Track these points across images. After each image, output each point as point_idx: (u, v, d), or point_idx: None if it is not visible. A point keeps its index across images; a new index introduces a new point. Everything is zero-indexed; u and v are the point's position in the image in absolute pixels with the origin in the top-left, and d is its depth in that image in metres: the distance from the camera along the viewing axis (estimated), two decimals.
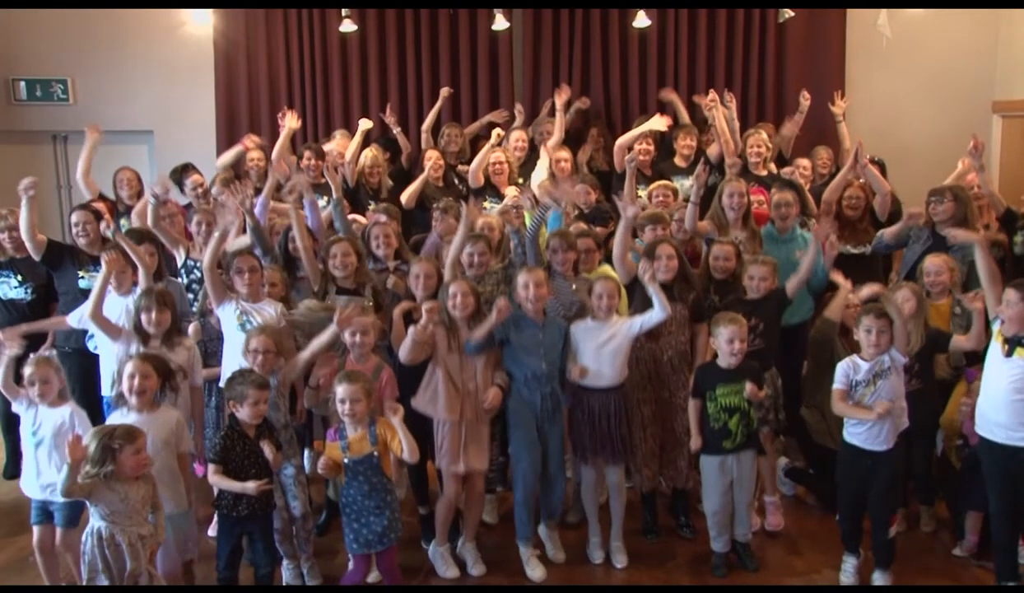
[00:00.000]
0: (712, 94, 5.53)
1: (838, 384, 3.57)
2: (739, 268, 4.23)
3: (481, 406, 3.75)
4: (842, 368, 3.58)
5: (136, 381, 3.34)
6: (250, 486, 3.30)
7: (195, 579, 3.75)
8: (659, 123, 5.45)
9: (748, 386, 3.66)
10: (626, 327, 3.78)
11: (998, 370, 3.42)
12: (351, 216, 4.87)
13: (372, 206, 5.44)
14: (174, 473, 3.42)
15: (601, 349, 3.75)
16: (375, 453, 3.37)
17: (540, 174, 5.43)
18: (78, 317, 4.04)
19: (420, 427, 3.70)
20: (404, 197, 5.38)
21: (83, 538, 3.06)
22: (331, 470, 3.38)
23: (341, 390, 3.36)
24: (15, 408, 3.51)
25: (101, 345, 3.95)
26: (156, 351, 3.62)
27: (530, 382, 3.76)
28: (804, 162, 5.44)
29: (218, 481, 3.35)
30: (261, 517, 3.43)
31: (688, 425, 3.89)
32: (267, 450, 3.35)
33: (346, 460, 3.37)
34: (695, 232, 4.63)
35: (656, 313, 3.72)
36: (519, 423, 3.80)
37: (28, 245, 4.51)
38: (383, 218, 4.49)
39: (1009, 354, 3.37)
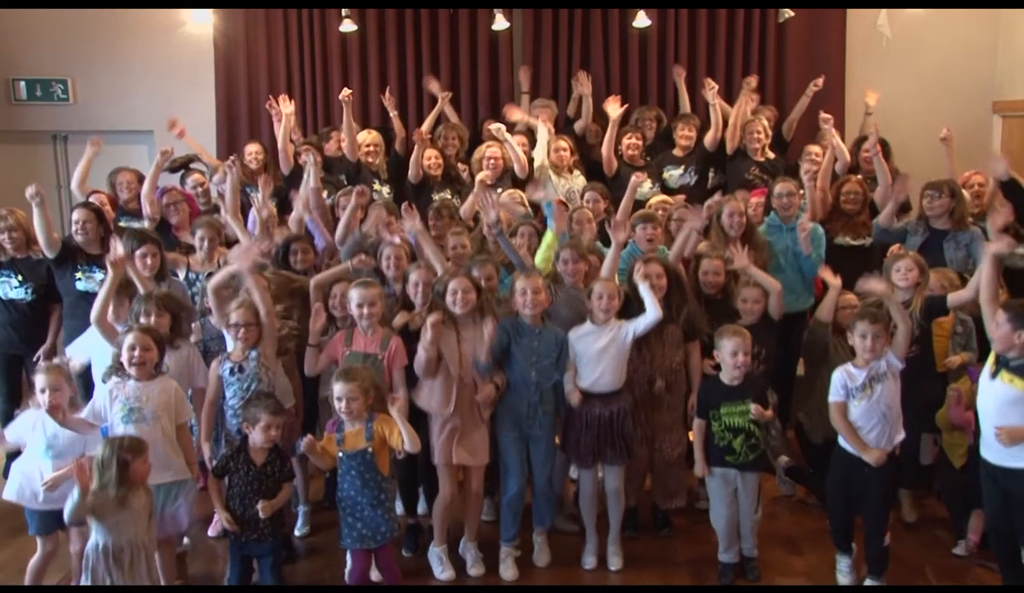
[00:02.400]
0: (748, 85, 5.60)
1: (835, 397, 3.52)
2: (731, 285, 4.22)
3: (478, 402, 3.74)
4: (838, 379, 3.52)
5: (136, 353, 3.35)
6: (223, 515, 3.38)
7: (187, 577, 3.76)
8: (613, 109, 5.37)
9: (753, 407, 3.62)
10: (623, 332, 3.75)
11: (986, 390, 3.38)
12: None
13: (376, 185, 5.48)
14: (173, 443, 3.42)
15: (602, 354, 3.74)
16: (369, 449, 3.37)
17: (540, 152, 5.43)
18: (78, 347, 4.00)
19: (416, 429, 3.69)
20: (410, 173, 5.42)
21: (85, 554, 3.06)
22: (312, 451, 3.38)
23: (338, 388, 3.37)
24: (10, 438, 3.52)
25: (96, 360, 3.88)
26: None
27: (519, 387, 3.76)
28: (816, 149, 5.41)
29: (212, 493, 3.45)
30: (269, 540, 3.44)
31: (678, 445, 3.96)
32: (261, 509, 3.35)
33: (340, 453, 3.39)
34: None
35: (649, 314, 3.71)
36: (506, 426, 3.80)
37: (43, 244, 4.50)
38: (397, 239, 4.32)
39: (994, 375, 3.32)
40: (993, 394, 3.31)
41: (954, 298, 3.85)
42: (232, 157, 5.13)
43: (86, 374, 3.99)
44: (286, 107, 5.59)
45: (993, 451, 3.32)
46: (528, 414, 3.77)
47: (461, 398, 3.71)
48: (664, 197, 5.21)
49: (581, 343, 3.77)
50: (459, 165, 5.82)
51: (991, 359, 3.37)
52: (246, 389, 3.62)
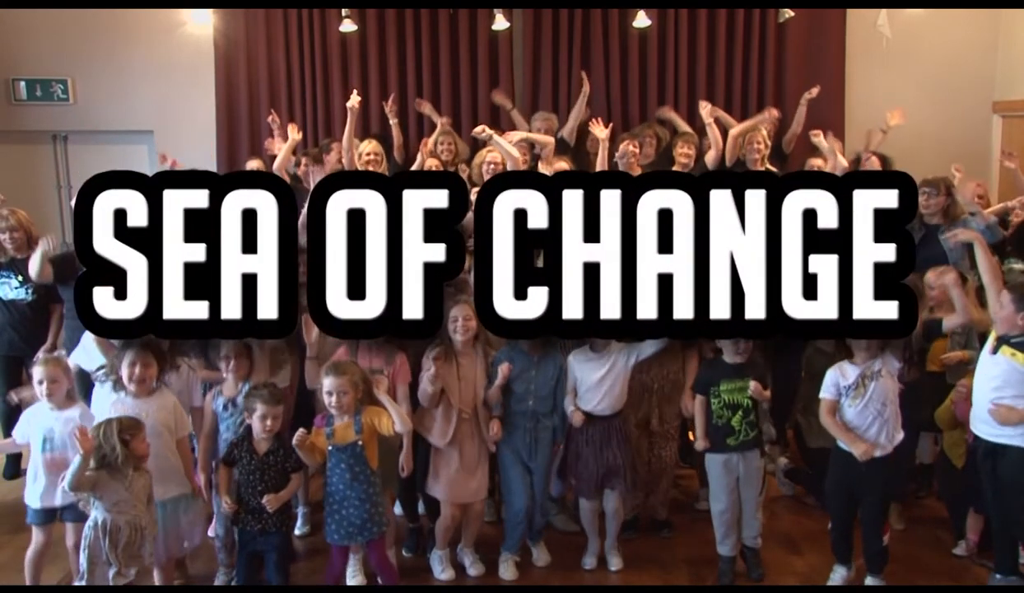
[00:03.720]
0: (771, 114, 5.53)
1: (826, 394, 3.53)
2: None
3: (478, 434, 3.74)
4: (831, 377, 3.53)
5: (137, 370, 3.35)
6: (225, 501, 3.41)
7: (187, 576, 3.77)
8: (599, 131, 5.27)
9: (753, 384, 3.63)
10: (624, 358, 3.76)
11: (985, 366, 3.45)
12: None
13: None
14: (175, 457, 3.43)
15: (601, 382, 3.74)
16: (359, 442, 3.37)
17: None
18: (79, 355, 3.96)
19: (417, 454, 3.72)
20: None
21: (84, 532, 3.10)
22: (303, 444, 3.35)
23: (328, 382, 3.36)
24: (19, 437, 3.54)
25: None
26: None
27: (516, 416, 3.76)
28: (818, 162, 5.40)
29: (219, 480, 3.47)
30: (275, 535, 3.44)
31: (671, 455, 4.00)
32: (267, 502, 3.36)
33: (330, 447, 3.38)
34: None
35: (654, 343, 3.72)
36: (507, 449, 3.80)
37: (36, 277, 4.49)
38: None
39: (995, 351, 3.39)
40: (995, 369, 3.38)
41: (949, 322, 3.88)
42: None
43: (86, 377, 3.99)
44: (293, 133, 5.43)
45: (984, 426, 3.40)
46: (525, 441, 3.77)
47: (461, 431, 3.70)
48: None
49: (581, 370, 3.77)
50: (461, 166, 5.81)
51: (991, 337, 3.44)
52: (239, 424, 3.58)
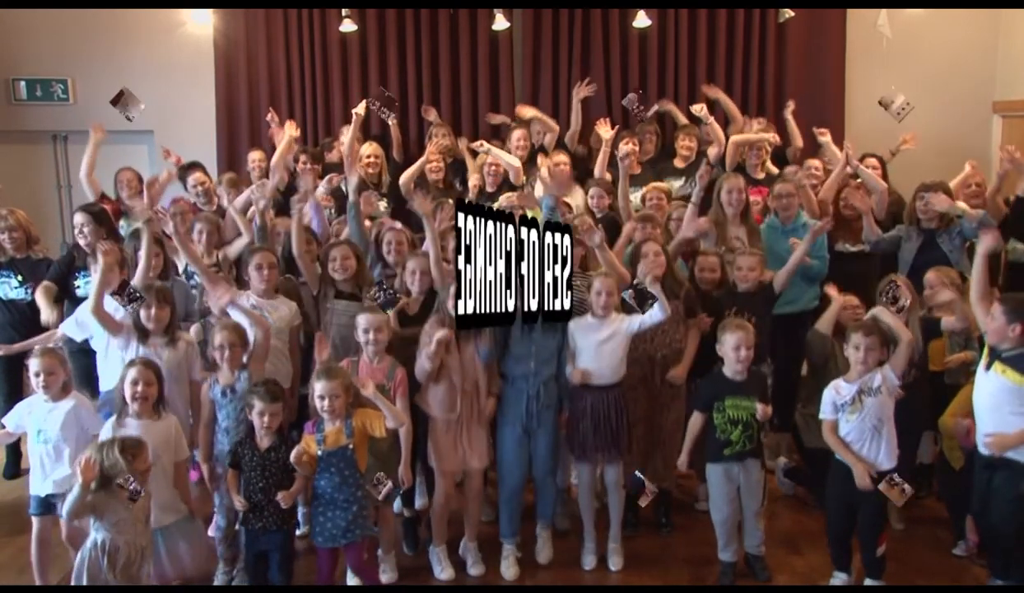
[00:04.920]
0: (773, 141, 5.54)
1: (824, 415, 3.53)
2: (727, 278, 4.26)
3: (478, 406, 3.76)
4: (827, 396, 3.53)
5: (139, 388, 3.36)
6: (238, 501, 3.41)
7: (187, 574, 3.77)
8: (604, 131, 5.36)
9: (760, 408, 3.61)
10: (625, 325, 3.76)
11: (981, 383, 3.42)
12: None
13: (372, 200, 5.45)
14: (171, 482, 3.44)
15: (600, 347, 3.74)
16: (349, 446, 3.38)
17: (540, 189, 5.41)
18: (70, 325, 4.01)
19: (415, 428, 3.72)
20: (403, 179, 5.33)
21: (80, 552, 3.08)
22: (301, 460, 3.35)
23: (319, 386, 3.37)
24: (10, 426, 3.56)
25: (97, 342, 3.92)
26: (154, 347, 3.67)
27: (518, 380, 3.77)
28: (816, 163, 5.40)
29: (228, 483, 3.47)
30: (277, 533, 3.44)
31: (673, 424, 3.99)
32: (280, 499, 3.36)
33: (320, 452, 3.38)
34: (697, 231, 4.62)
35: (656, 313, 3.70)
36: (506, 420, 3.81)
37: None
38: (398, 225, 4.49)
39: (988, 367, 3.37)
40: (989, 385, 3.36)
41: (947, 323, 3.89)
42: (262, 181, 5.13)
43: (86, 360, 4.03)
44: (292, 129, 5.51)
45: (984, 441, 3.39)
46: (528, 408, 3.77)
47: (462, 403, 3.72)
48: (657, 184, 5.20)
49: (582, 335, 3.78)
50: (462, 145, 5.92)
51: (985, 352, 3.43)
52: (239, 411, 3.58)
